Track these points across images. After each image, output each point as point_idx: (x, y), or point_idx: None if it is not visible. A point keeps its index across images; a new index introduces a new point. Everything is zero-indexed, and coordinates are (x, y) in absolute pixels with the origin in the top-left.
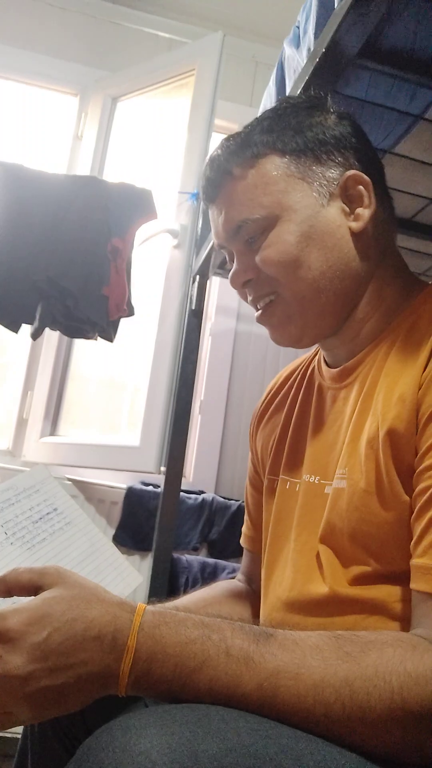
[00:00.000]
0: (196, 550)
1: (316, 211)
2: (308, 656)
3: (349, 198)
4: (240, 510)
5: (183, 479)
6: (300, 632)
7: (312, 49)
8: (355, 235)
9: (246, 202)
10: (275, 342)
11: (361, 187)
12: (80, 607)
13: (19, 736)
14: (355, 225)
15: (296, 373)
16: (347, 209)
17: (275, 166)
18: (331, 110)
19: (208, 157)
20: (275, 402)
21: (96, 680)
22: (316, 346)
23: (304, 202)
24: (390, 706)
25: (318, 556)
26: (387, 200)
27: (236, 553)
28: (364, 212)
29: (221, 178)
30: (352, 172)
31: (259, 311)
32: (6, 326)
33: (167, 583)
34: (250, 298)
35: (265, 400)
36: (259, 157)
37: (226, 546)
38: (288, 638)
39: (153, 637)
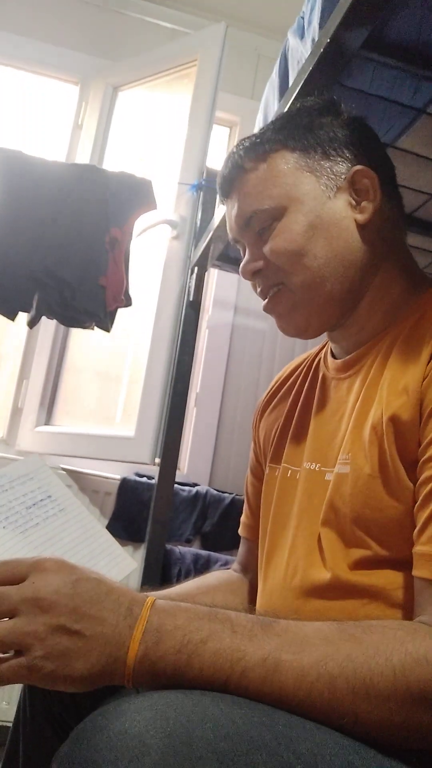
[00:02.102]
0: (189, 542)
1: (323, 202)
2: (311, 636)
3: (356, 192)
4: (233, 503)
5: (177, 471)
6: (302, 621)
7: (316, 39)
8: (361, 227)
9: (256, 194)
10: (282, 331)
11: (367, 180)
12: (104, 577)
13: (10, 725)
14: (361, 217)
15: (302, 365)
16: (353, 202)
17: (285, 160)
18: (343, 112)
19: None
20: (280, 393)
21: (107, 644)
22: (324, 340)
23: (312, 194)
24: (393, 684)
25: (319, 540)
26: (396, 198)
27: (229, 545)
28: (369, 205)
29: (235, 173)
30: (358, 167)
31: (267, 300)
32: (3, 314)
33: (160, 574)
34: (259, 289)
35: (270, 390)
36: (270, 153)
37: (219, 538)
38: (291, 623)
39: (164, 610)
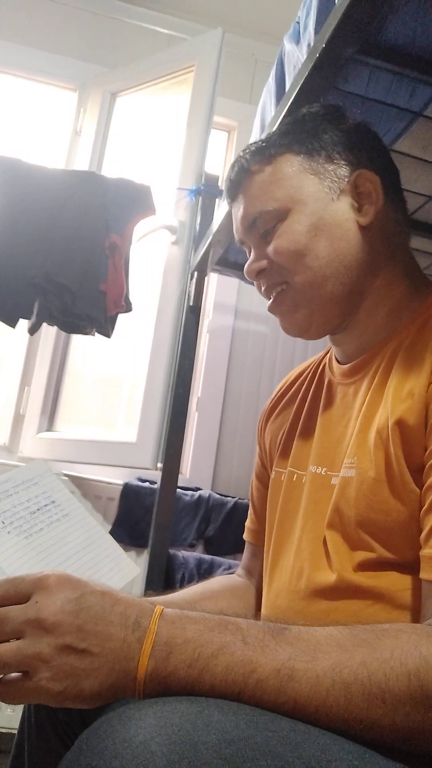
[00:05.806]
0: (192, 546)
1: (326, 204)
2: (323, 643)
3: (359, 195)
4: (236, 507)
5: (180, 476)
6: (313, 627)
7: (312, 44)
8: (363, 229)
9: (261, 196)
10: (284, 331)
11: (369, 184)
12: (109, 589)
13: (15, 731)
14: (363, 219)
15: (307, 370)
16: (356, 204)
17: (290, 163)
18: (347, 118)
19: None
20: (285, 398)
21: (117, 660)
22: (328, 345)
23: (315, 196)
24: (409, 688)
25: (324, 543)
26: (400, 201)
27: (232, 549)
28: (371, 208)
29: (242, 176)
30: (361, 170)
31: (271, 300)
32: (3, 321)
33: (163, 579)
34: (263, 288)
35: (275, 396)
36: (275, 156)
37: (222, 543)
38: (302, 630)
39: (173, 622)
